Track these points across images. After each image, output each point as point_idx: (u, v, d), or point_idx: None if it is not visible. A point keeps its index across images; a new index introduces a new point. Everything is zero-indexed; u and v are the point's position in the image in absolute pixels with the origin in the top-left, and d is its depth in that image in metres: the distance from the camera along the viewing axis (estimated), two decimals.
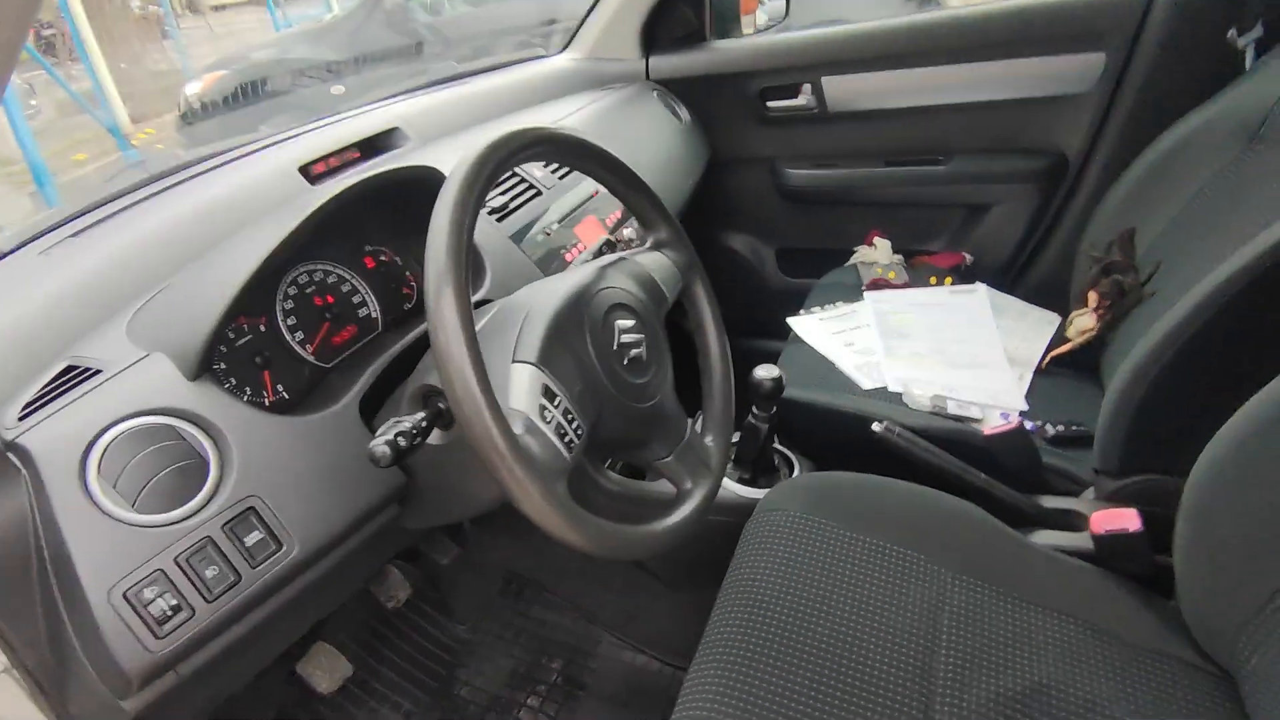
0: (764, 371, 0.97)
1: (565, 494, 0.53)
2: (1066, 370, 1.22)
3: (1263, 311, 0.79)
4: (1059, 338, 1.24)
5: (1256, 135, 0.99)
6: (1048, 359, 1.22)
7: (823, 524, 0.86)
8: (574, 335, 0.61)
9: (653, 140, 1.37)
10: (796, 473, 1.05)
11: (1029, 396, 1.15)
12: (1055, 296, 1.32)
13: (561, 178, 1.07)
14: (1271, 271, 0.78)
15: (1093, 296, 1.17)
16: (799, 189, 1.53)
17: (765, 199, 1.60)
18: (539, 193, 1.00)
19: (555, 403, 0.56)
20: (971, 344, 1.24)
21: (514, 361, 0.56)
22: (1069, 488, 1.00)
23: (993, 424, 1.07)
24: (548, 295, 0.62)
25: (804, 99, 1.46)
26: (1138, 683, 0.70)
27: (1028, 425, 1.07)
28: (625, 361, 0.64)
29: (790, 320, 1.31)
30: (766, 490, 0.97)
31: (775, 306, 1.45)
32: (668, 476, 0.70)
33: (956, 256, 1.44)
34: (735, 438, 1.10)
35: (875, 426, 0.95)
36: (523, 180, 1.02)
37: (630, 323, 0.65)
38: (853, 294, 1.40)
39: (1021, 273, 1.42)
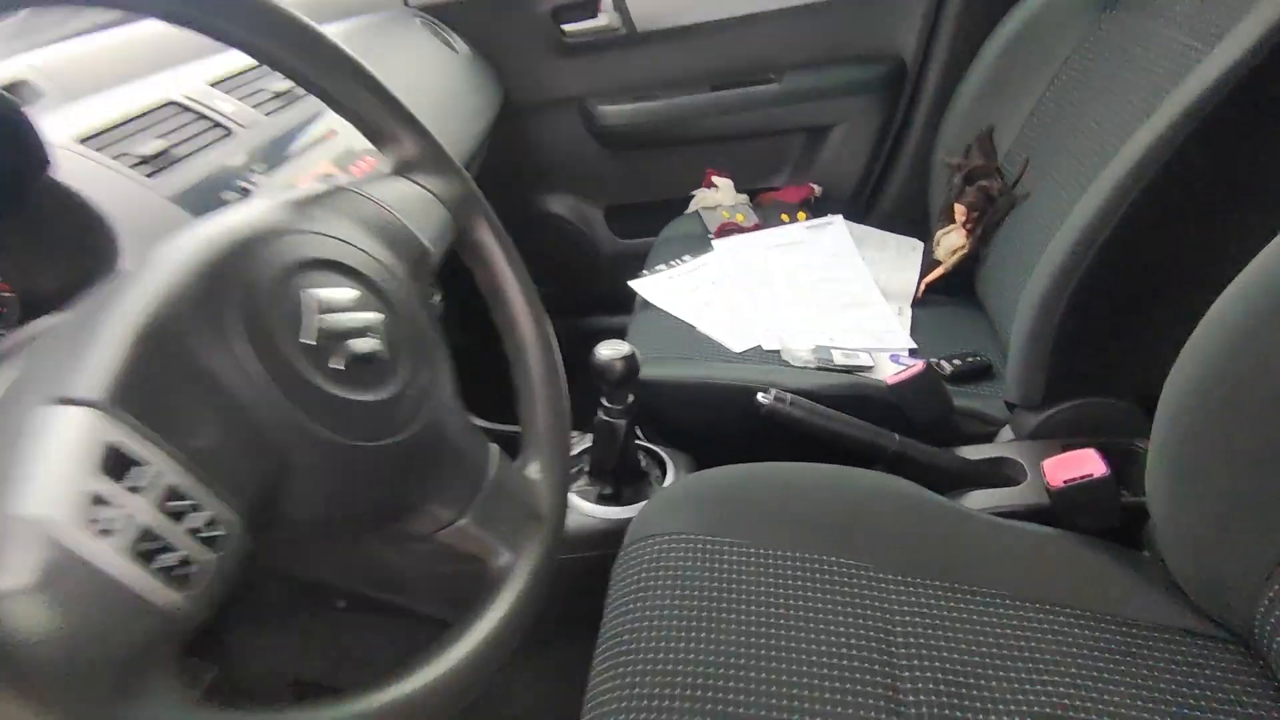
0: (610, 350, 0.72)
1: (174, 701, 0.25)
2: (940, 297, 1.09)
3: (1189, 191, 0.66)
4: (929, 262, 1.12)
5: (1109, 3, 0.89)
6: (922, 287, 1.09)
7: (714, 545, 0.62)
8: (208, 328, 0.31)
9: (421, 78, 1.06)
10: (671, 476, 0.82)
11: (913, 333, 1.00)
12: (915, 220, 1.20)
13: (269, 113, 0.73)
14: (1189, 146, 0.65)
15: (959, 210, 1.05)
16: (616, 130, 1.30)
17: (581, 148, 1.35)
18: (228, 133, 0.66)
19: (140, 481, 0.26)
20: (842, 282, 1.07)
21: (52, 403, 0.26)
22: (981, 430, 0.86)
23: (887, 370, 0.90)
24: (164, 261, 0.31)
25: (606, 18, 1.22)
26: (1153, 671, 0.54)
27: (920, 365, 0.92)
28: (336, 365, 0.34)
29: (634, 284, 1.07)
30: (637, 507, 0.73)
31: (614, 276, 1.21)
32: (466, 551, 0.42)
33: (804, 189, 1.29)
34: (585, 444, 0.84)
35: (760, 397, 0.74)
36: (200, 116, 0.67)
37: (346, 293, 0.35)
38: (700, 245, 1.19)
39: (874, 198, 1.29)
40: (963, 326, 1.02)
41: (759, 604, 0.59)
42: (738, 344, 0.94)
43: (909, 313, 1.04)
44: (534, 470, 0.47)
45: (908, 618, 0.58)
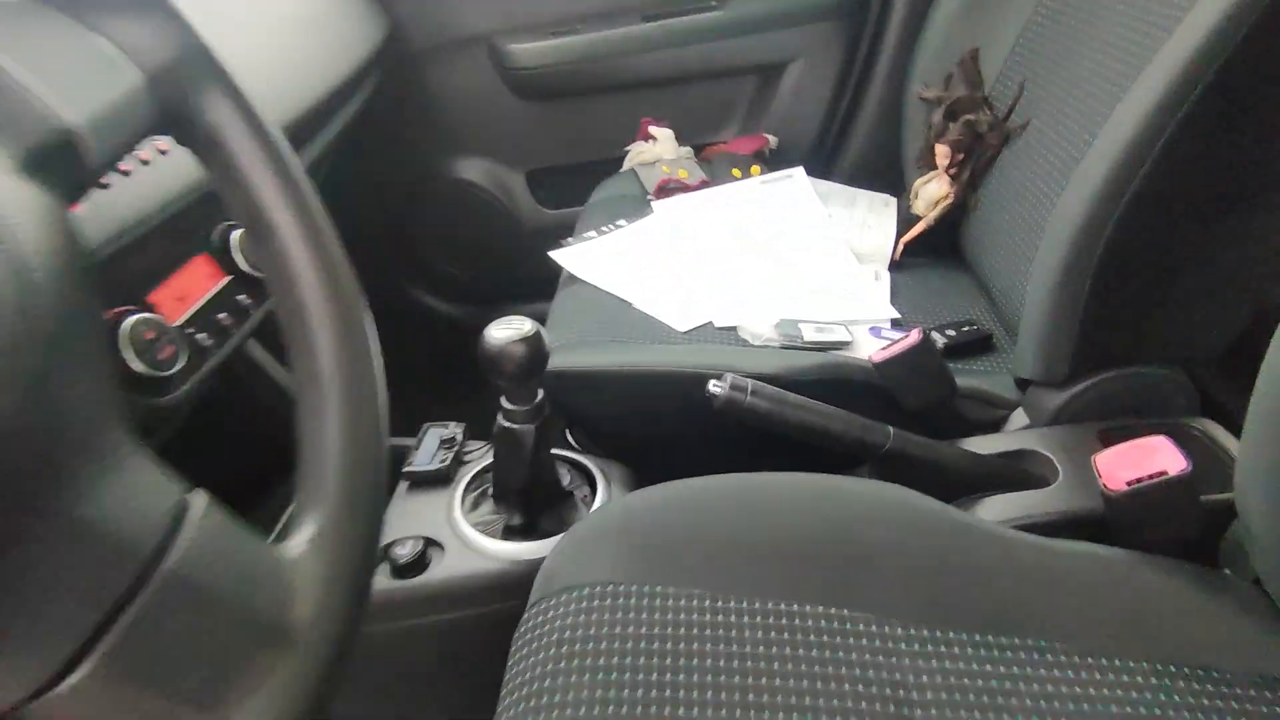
0: (504, 331, 0.52)
1: None
2: (921, 259, 0.93)
3: (1241, 106, 0.51)
4: (906, 218, 0.95)
5: None
6: (900, 247, 0.92)
7: (653, 600, 0.44)
8: None
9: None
10: (603, 496, 0.63)
11: (894, 300, 0.84)
12: (887, 173, 1.03)
13: None
14: (1242, 55, 0.50)
15: (941, 152, 0.89)
16: (533, 76, 1.10)
17: (494, 100, 1.14)
18: None
19: None
20: (807, 245, 0.90)
21: None
22: (988, 416, 0.70)
23: (869, 347, 0.73)
24: None
25: None
26: None
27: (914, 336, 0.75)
28: None
29: (555, 254, 0.88)
30: (553, 541, 0.54)
31: (540, 254, 1.02)
32: None
33: (757, 139, 1.11)
34: (485, 458, 0.65)
35: (713, 386, 0.56)
36: None
37: None
38: (637, 207, 1.00)
39: (839, 148, 1.12)
40: (951, 291, 0.86)
41: (718, 685, 0.41)
42: (683, 322, 0.75)
43: (886, 278, 0.87)
44: (300, 542, 0.28)
45: (928, 689, 0.41)
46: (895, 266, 0.91)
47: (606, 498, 0.62)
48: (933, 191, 0.92)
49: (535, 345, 0.52)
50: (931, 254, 0.95)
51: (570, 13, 1.06)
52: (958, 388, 0.65)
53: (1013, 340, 0.75)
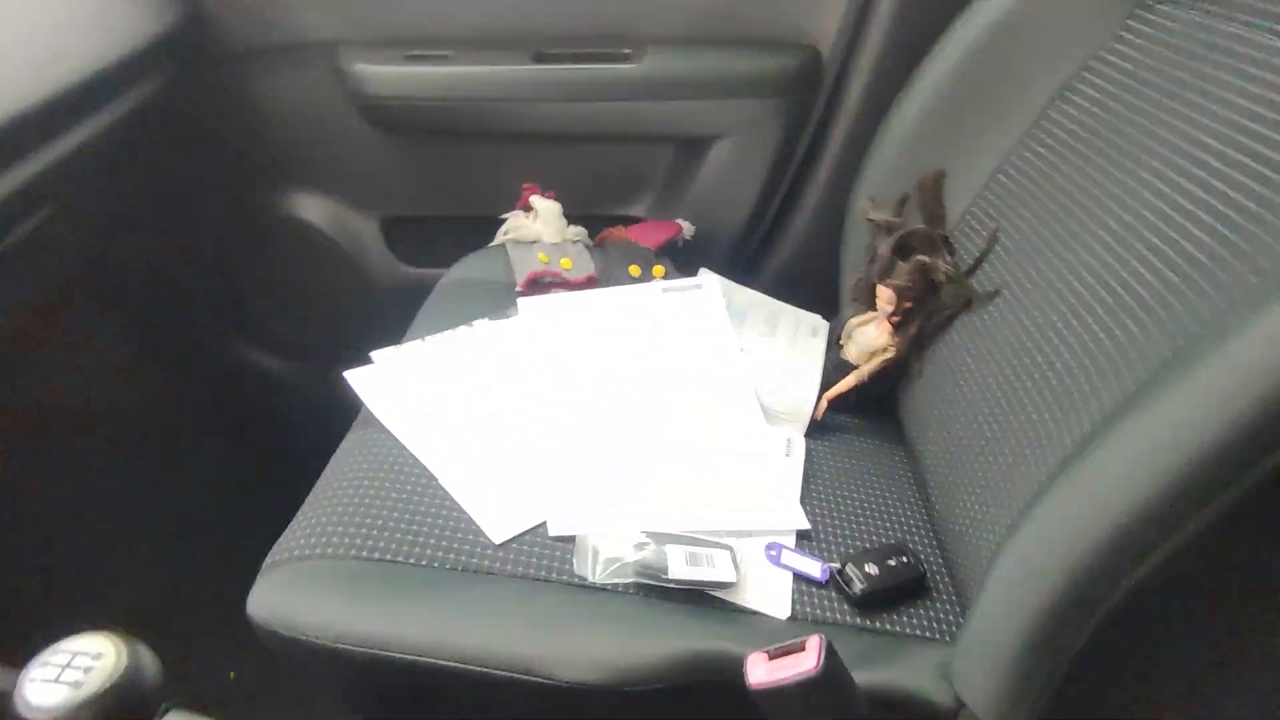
0: (46, 690, 0.28)
1: None
2: (848, 420, 0.74)
3: None
4: (838, 364, 0.76)
5: None
6: (823, 406, 0.73)
7: None
8: None
9: None
10: None
11: (806, 491, 0.63)
12: (817, 288, 0.84)
13: None
14: None
15: (884, 295, 0.70)
16: (387, 104, 0.85)
17: (339, 125, 0.89)
18: None
19: None
20: (708, 393, 0.69)
21: None
22: None
23: (757, 587, 0.53)
24: None
25: None
26: None
27: (817, 571, 0.55)
28: None
29: (350, 376, 0.63)
30: None
31: (395, 318, 0.78)
32: None
33: (668, 226, 0.90)
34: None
35: None
36: None
37: None
38: (498, 300, 0.78)
39: (765, 248, 0.93)
40: (879, 483, 0.67)
41: None
42: (501, 525, 0.53)
43: (800, 452, 0.67)
44: None
45: None
46: (814, 429, 0.71)
47: None
48: (870, 338, 0.73)
49: (116, 697, 0.28)
50: (860, 413, 0.76)
51: (436, 34, 0.81)
52: (866, 710, 0.45)
53: (954, 588, 0.56)
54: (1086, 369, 0.46)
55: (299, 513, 0.52)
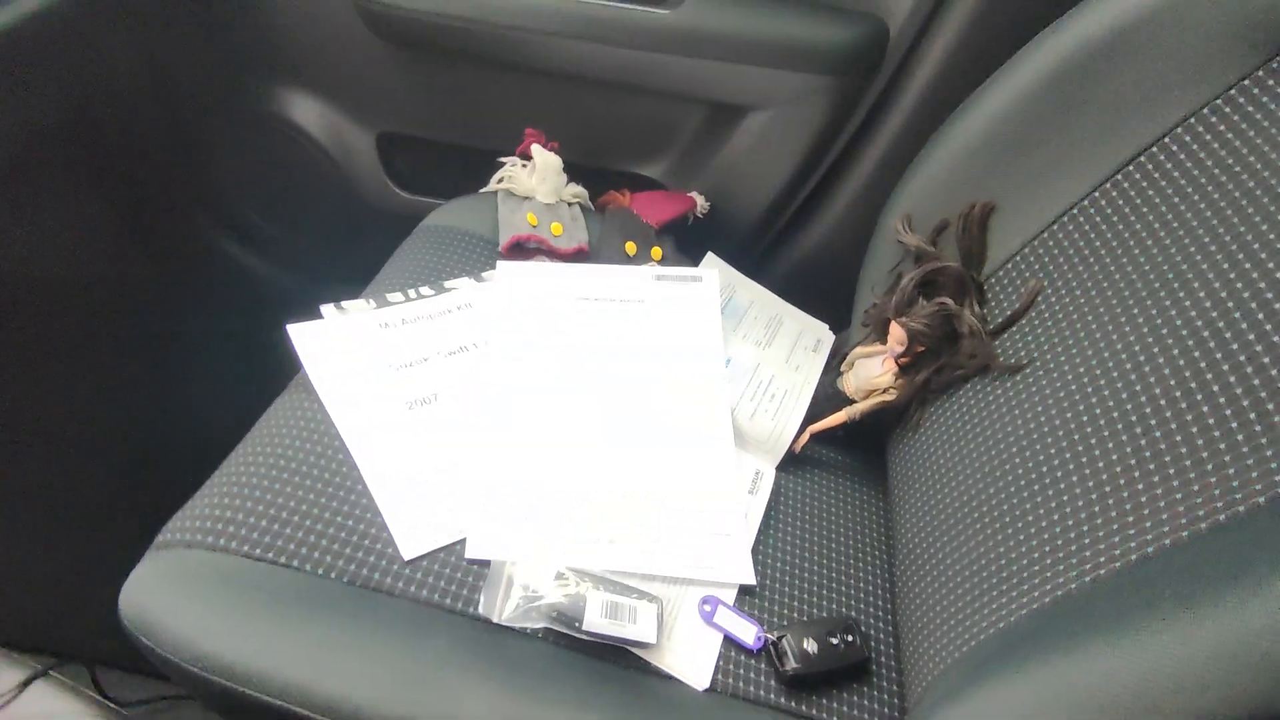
0: None
1: None
2: (827, 455, 0.68)
3: None
4: (830, 394, 0.69)
5: None
6: (805, 438, 0.67)
7: None
8: None
9: None
10: None
11: (763, 537, 0.58)
12: (832, 291, 0.76)
13: None
14: None
15: (896, 331, 0.62)
16: (397, 16, 0.76)
17: (342, 27, 0.80)
18: None
19: None
20: (678, 405, 0.63)
21: None
22: None
23: (681, 644, 0.49)
24: None
25: None
26: None
27: (751, 637, 0.51)
28: None
29: (294, 330, 0.58)
30: None
31: (386, 245, 0.73)
32: None
33: (680, 199, 0.81)
34: None
35: None
36: None
37: None
38: (477, 257, 0.71)
39: (783, 240, 0.84)
40: (848, 531, 0.62)
41: None
42: (413, 540, 0.49)
43: (768, 488, 0.62)
44: None
45: None
46: (789, 461, 0.65)
47: None
48: (871, 374, 0.66)
49: None
50: (845, 450, 0.70)
51: None
52: None
53: (898, 680, 0.52)
54: (1100, 507, 0.39)
55: (204, 486, 0.48)
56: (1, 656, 0.42)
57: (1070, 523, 0.39)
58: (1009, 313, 0.55)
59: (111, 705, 0.42)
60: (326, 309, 0.60)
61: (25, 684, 0.41)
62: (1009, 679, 0.32)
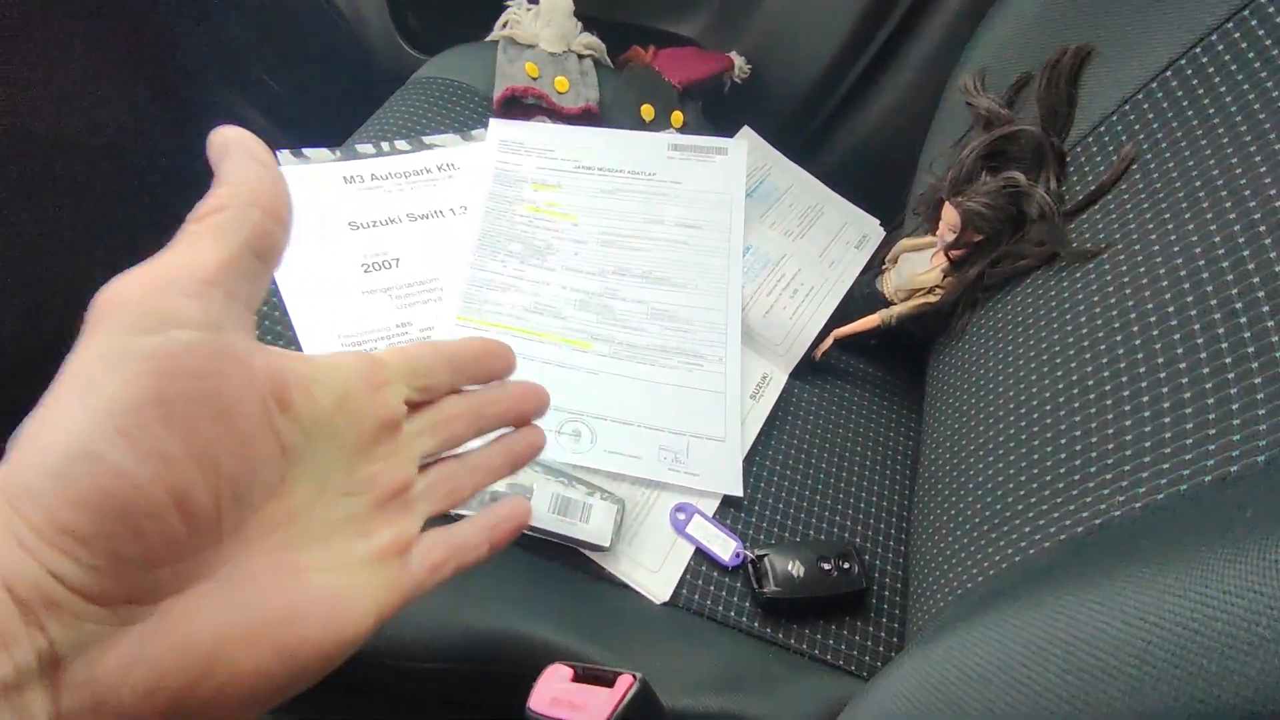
0: None
1: None
2: (850, 361, 0.60)
3: None
4: (867, 294, 0.60)
5: None
6: (829, 342, 0.58)
7: None
8: None
9: None
10: None
11: (766, 440, 0.52)
12: (891, 181, 0.66)
13: None
14: None
15: (949, 217, 0.52)
16: None
17: None
18: None
19: None
20: (674, 292, 0.56)
21: None
22: None
23: (643, 551, 0.43)
24: None
25: None
26: None
27: (727, 553, 0.45)
28: None
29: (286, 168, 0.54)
30: None
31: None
32: None
33: (715, 58, 0.71)
34: None
35: None
36: None
37: None
38: (468, 112, 0.65)
39: (837, 117, 0.73)
40: (864, 453, 0.54)
41: None
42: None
43: (775, 393, 0.55)
44: None
45: None
46: (806, 368, 0.58)
47: None
48: (915, 270, 0.57)
49: None
50: (877, 362, 0.61)
51: None
52: None
53: (900, 618, 0.45)
54: (1172, 419, 0.31)
55: None
56: None
57: (1129, 438, 0.31)
58: (1092, 187, 0.44)
59: None
60: (283, 154, 0.55)
61: None
62: (1021, 608, 0.25)
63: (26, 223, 0.84)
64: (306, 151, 0.56)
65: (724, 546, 0.46)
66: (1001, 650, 0.23)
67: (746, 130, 0.69)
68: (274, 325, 0.47)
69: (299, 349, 0.46)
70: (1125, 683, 0.18)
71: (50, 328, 0.81)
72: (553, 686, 0.33)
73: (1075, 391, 0.36)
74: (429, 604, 0.36)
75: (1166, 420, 0.30)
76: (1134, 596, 0.20)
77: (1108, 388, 0.34)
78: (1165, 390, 0.31)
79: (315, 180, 0.55)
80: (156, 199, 0.98)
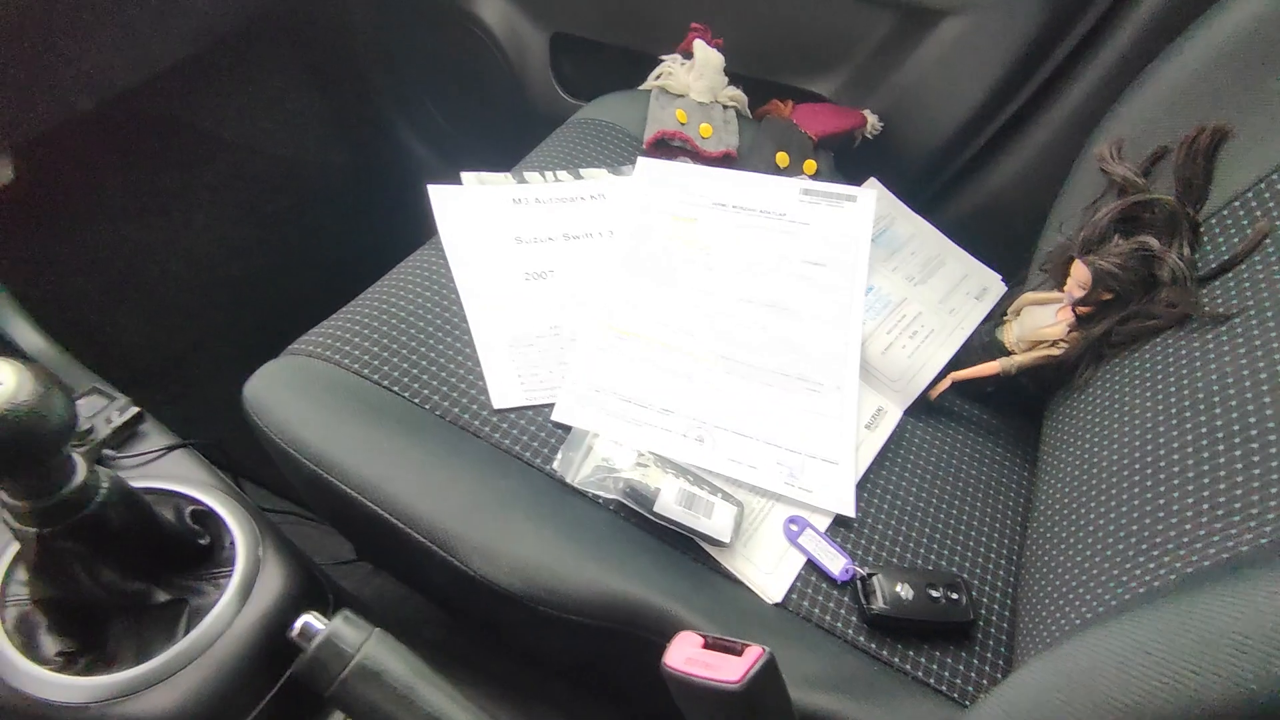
0: None
1: None
2: (967, 408, 0.62)
3: None
4: (985, 343, 0.63)
5: None
6: (946, 383, 0.61)
7: None
8: None
9: None
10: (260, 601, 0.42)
11: (877, 475, 0.55)
12: (1015, 240, 0.69)
13: None
14: None
15: (1079, 273, 0.55)
16: None
17: None
18: None
19: None
20: (796, 322, 0.60)
21: None
22: None
23: (757, 555, 0.47)
24: None
25: None
26: None
27: (838, 567, 0.48)
28: None
29: (432, 191, 0.62)
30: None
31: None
32: None
33: (849, 114, 0.76)
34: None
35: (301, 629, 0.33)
36: None
37: None
38: (620, 150, 0.72)
39: (965, 175, 0.76)
40: (977, 492, 0.56)
41: None
42: (505, 392, 0.50)
43: (890, 426, 0.58)
44: None
45: None
46: (921, 409, 0.60)
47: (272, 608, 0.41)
48: (1039, 323, 0.59)
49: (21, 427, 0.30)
50: (993, 411, 0.63)
51: None
52: None
53: (1007, 652, 0.47)
54: None
55: (337, 312, 0.54)
56: (157, 424, 0.50)
57: (1257, 484, 0.33)
58: (1225, 258, 0.46)
59: (237, 489, 0.49)
60: (467, 176, 0.63)
61: (171, 448, 0.48)
62: (1152, 609, 0.27)
63: (290, 229, 1.00)
64: (485, 175, 0.65)
65: (834, 561, 0.49)
66: (1133, 638, 0.25)
67: (873, 181, 0.73)
68: (452, 318, 0.54)
69: (471, 339, 0.53)
70: (1256, 658, 0.21)
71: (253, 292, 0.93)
72: (686, 649, 0.37)
73: (1205, 441, 0.38)
74: (580, 565, 0.41)
75: None
76: (1265, 586, 0.22)
77: (1237, 439, 0.36)
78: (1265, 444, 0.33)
79: (490, 199, 0.63)
80: (341, 206, 1.12)
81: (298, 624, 0.33)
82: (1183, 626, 0.24)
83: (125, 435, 0.49)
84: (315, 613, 0.34)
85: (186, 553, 0.44)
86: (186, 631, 0.41)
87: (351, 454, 0.42)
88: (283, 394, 0.45)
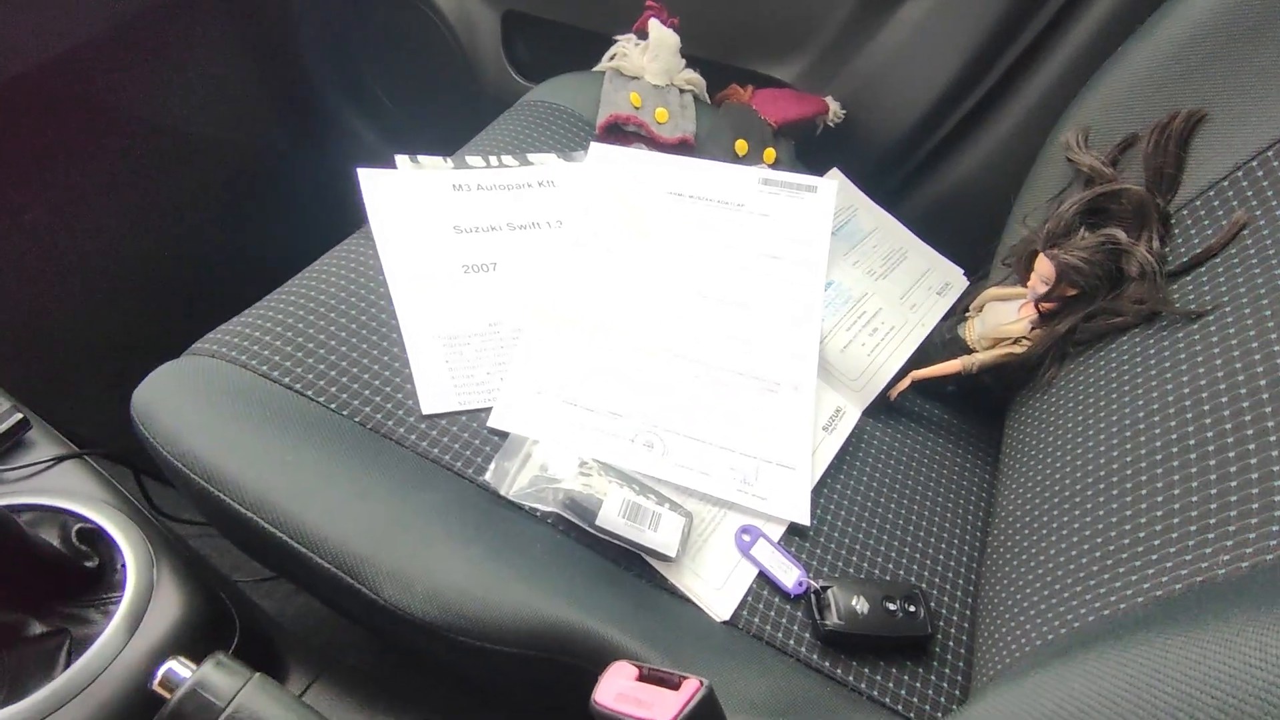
0: None
1: None
2: (927, 408, 0.60)
3: None
4: (946, 340, 0.60)
5: None
6: (906, 382, 0.58)
7: None
8: None
9: None
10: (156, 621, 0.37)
11: (833, 477, 0.52)
12: (980, 233, 0.66)
13: None
14: None
15: (1043, 267, 0.52)
16: None
17: None
18: None
19: None
20: (752, 319, 0.57)
21: None
22: None
23: (706, 568, 0.44)
24: None
25: None
26: None
27: (791, 580, 0.45)
28: None
29: (362, 175, 0.57)
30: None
31: None
32: None
33: (810, 101, 0.73)
34: None
35: (162, 678, 0.29)
36: None
37: None
38: (571, 135, 0.68)
39: (929, 166, 0.73)
40: (936, 498, 0.53)
41: None
42: (435, 396, 0.46)
43: (848, 427, 0.55)
44: None
45: None
46: (880, 409, 0.57)
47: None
48: (1001, 320, 0.56)
49: None
50: (953, 410, 0.61)
51: None
52: None
53: (964, 668, 0.44)
54: (1268, 488, 0.30)
55: (249, 308, 0.49)
56: (45, 432, 0.45)
57: (1234, 498, 0.30)
58: (1198, 251, 0.44)
59: (134, 502, 0.44)
60: (401, 159, 0.59)
61: (59, 460, 0.44)
62: (1123, 649, 0.24)
63: (208, 215, 0.91)
64: (421, 158, 0.60)
65: (787, 573, 0.46)
66: (1100, 686, 0.22)
67: (835, 172, 0.70)
68: (379, 314, 0.50)
69: (401, 338, 0.48)
70: None
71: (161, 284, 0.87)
72: (618, 683, 0.33)
73: (1175, 450, 0.35)
74: (507, 589, 0.37)
75: (1277, 484, 0.29)
76: (1254, 637, 0.19)
77: (1211, 447, 0.34)
78: (1275, 454, 0.30)
79: (427, 185, 0.58)
80: (270, 191, 1.06)
81: (160, 671, 0.29)
82: (1157, 676, 0.21)
83: (8, 444, 0.44)
84: (181, 658, 0.30)
85: (71, 578, 0.39)
86: (66, 666, 0.37)
87: (248, 467, 0.38)
88: (175, 400, 0.40)
